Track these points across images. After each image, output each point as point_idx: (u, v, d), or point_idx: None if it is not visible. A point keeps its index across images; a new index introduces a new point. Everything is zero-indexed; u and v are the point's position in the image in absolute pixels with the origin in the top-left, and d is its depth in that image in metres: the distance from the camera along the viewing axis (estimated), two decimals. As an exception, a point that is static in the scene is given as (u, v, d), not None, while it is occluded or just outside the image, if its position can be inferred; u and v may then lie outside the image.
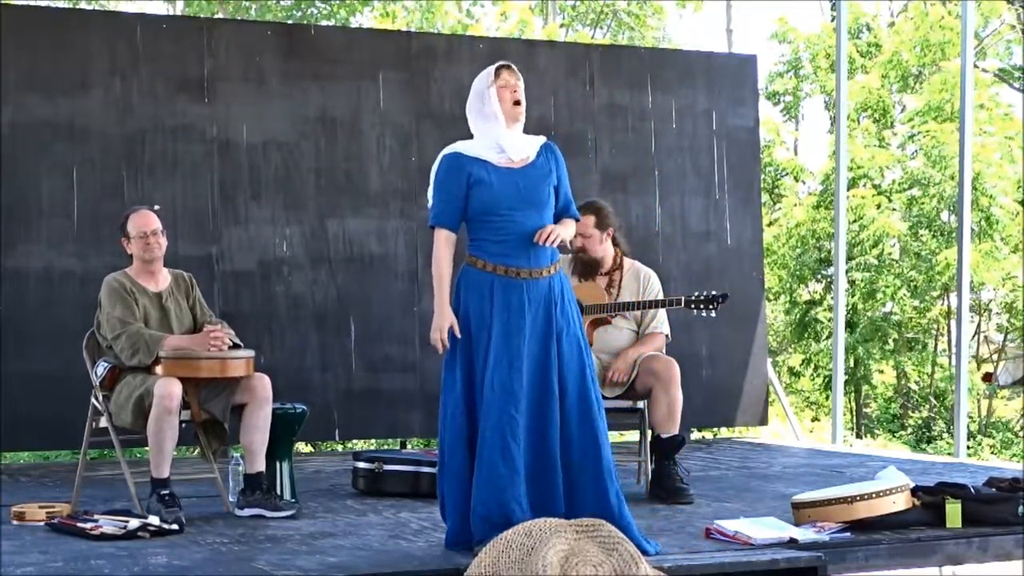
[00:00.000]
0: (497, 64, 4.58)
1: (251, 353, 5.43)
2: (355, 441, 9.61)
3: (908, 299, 13.97)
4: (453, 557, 4.30)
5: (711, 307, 5.88)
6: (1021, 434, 14.35)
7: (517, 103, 4.55)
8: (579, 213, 6.02)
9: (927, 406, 14.47)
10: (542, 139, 4.70)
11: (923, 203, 14.07)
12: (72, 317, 7.02)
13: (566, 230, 4.60)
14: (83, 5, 17.19)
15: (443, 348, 4.48)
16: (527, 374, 4.44)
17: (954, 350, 11.68)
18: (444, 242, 4.50)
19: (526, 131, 4.71)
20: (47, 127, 7.57)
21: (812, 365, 14.83)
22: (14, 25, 7.54)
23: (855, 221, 13.67)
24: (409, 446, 8.77)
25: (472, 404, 4.49)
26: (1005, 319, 14.77)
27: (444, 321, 4.45)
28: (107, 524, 4.83)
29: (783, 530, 4.70)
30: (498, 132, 4.54)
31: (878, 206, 14.07)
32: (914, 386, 14.90)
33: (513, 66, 4.59)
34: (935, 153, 13.87)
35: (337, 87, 8.16)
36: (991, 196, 13.42)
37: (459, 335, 4.46)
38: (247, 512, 5.28)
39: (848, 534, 4.72)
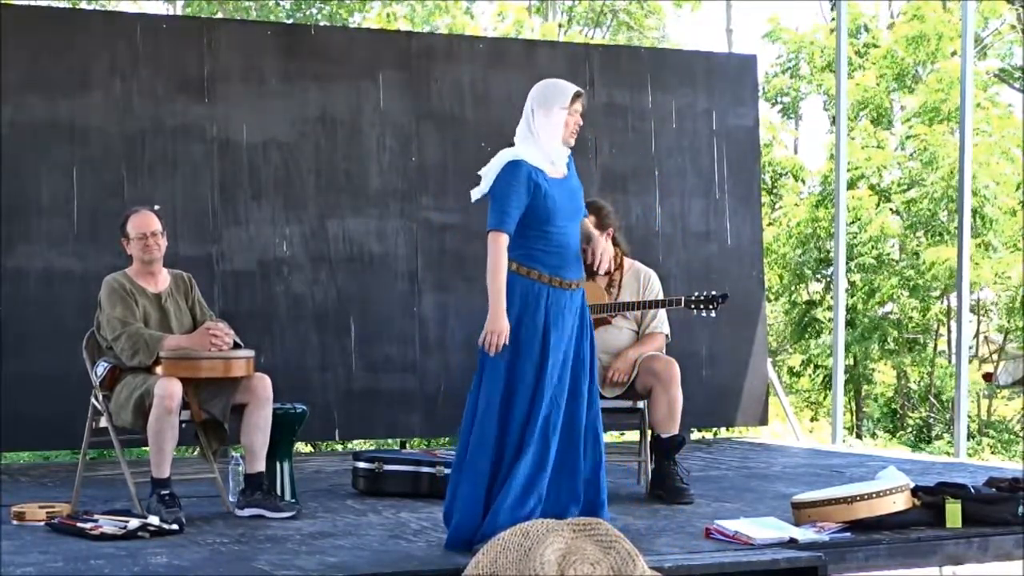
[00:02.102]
0: (575, 90, 4.66)
1: (251, 353, 5.43)
2: (355, 441, 9.62)
3: (907, 299, 13.97)
4: (453, 557, 4.31)
5: (711, 307, 5.88)
6: (1021, 434, 14.35)
7: (574, 134, 4.69)
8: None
9: (926, 406, 14.48)
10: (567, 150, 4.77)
11: (919, 203, 14.07)
12: (72, 317, 7.02)
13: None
14: (83, 5, 17.18)
15: (495, 351, 4.47)
16: (566, 378, 4.61)
17: (954, 350, 11.68)
18: (504, 247, 4.52)
19: None
20: (47, 127, 7.57)
21: (812, 365, 14.83)
22: (14, 25, 7.54)
23: (853, 222, 13.67)
24: (409, 446, 8.77)
25: (506, 409, 4.53)
26: (1003, 319, 14.77)
27: (503, 326, 4.47)
28: (107, 524, 4.83)
29: (783, 530, 4.71)
30: (552, 148, 4.61)
31: (876, 204, 14.09)
32: (914, 386, 14.91)
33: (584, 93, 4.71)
34: (927, 155, 13.88)
35: (337, 87, 8.16)
36: (985, 196, 13.42)
37: (507, 343, 4.48)
38: (247, 512, 5.28)
39: (848, 534, 4.72)
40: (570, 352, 4.60)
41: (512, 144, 4.64)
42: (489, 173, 4.60)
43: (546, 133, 4.60)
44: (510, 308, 4.51)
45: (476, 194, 4.64)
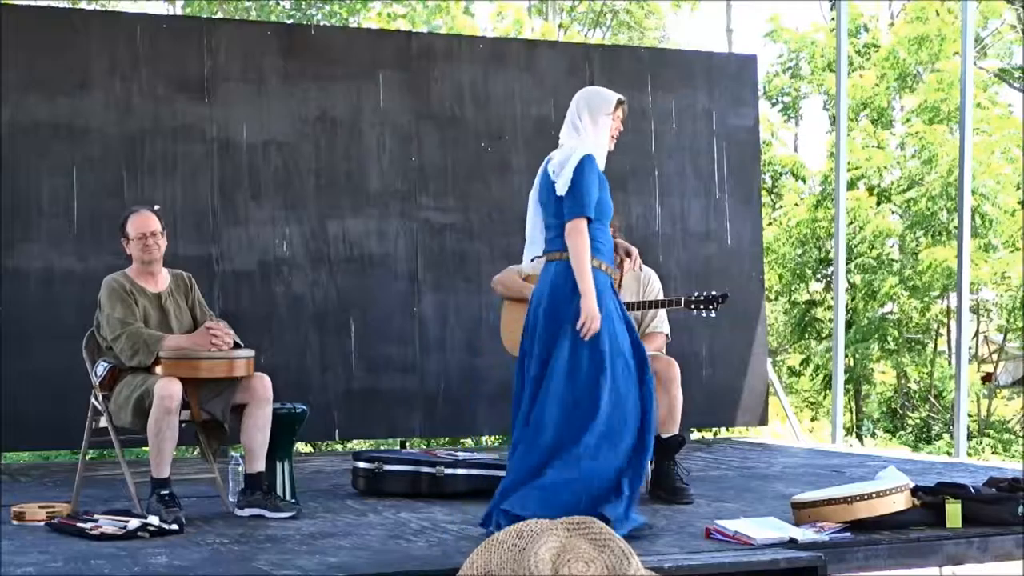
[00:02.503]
0: (618, 98, 4.91)
1: (251, 353, 5.43)
2: (355, 441, 9.61)
3: (907, 298, 13.98)
4: (453, 557, 4.30)
5: (711, 307, 5.88)
6: (1021, 434, 14.36)
7: (613, 137, 4.94)
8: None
9: (927, 406, 14.48)
10: None
11: (919, 203, 14.07)
12: (72, 317, 7.02)
13: None
14: (83, 5, 17.18)
15: (590, 335, 4.64)
16: None
17: (954, 350, 11.68)
18: (587, 232, 4.70)
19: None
20: (47, 127, 7.58)
21: (812, 365, 14.84)
22: (14, 25, 7.55)
23: (851, 223, 13.68)
24: (409, 446, 8.77)
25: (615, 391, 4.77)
26: (1004, 319, 14.77)
27: (598, 310, 4.65)
28: (107, 524, 4.83)
29: (783, 530, 4.70)
30: (600, 153, 4.85)
31: (877, 203, 14.09)
32: (914, 386, 14.91)
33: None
34: (926, 153, 13.88)
35: (337, 87, 8.16)
36: (984, 195, 13.43)
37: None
38: (247, 512, 5.28)
39: (848, 534, 4.72)
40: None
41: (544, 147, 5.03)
42: (567, 167, 4.74)
43: (593, 138, 4.82)
44: (600, 295, 4.70)
45: (561, 189, 4.75)
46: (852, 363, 14.08)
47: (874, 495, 4.84)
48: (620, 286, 6.08)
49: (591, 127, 4.81)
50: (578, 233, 4.67)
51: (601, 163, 4.83)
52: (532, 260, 4.92)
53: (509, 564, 3.84)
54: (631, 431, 4.74)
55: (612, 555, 3.89)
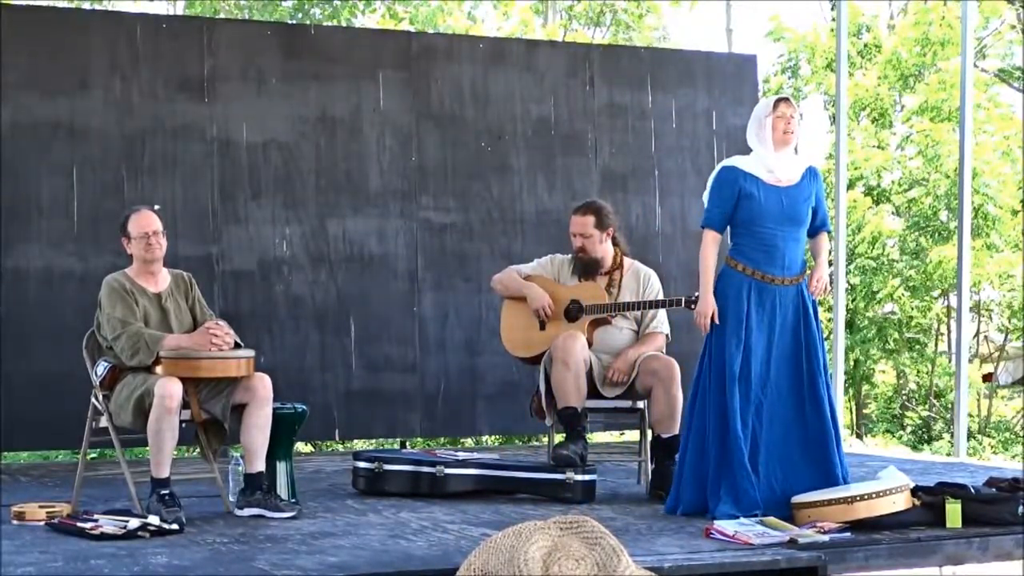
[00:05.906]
0: (777, 97, 5.34)
1: (251, 353, 5.43)
2: (355, 441, 9.62)
3: (907, 298, 13.97)
4: (453, 557, 4.30)
5: (711, 307, 5.86)
6: (1021, 434, 14.35)
7: (786, 133, 5.27)
8: (579, 213, 6.12)
9: (927, 406, 14.47)
10: (807, 163, 5.42)
11: (921, 202, 14.06)
12: (72, 317, 7.02)
13: (825, 272, 5.37)
14: (83, 5, 17.17)
15: (704, 331, 5.31)
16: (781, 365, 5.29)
17: (954, 350, 11.69)
18: (709, 242, 5.31)
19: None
20: (47, 127, 7.57)
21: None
22: (14, 25, 7.54)
23: (849, 224, 13.68)
24: (409, 446, 8.78)
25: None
26: (1005, 319, 14.76)
27: (706, 308, 5.27)
28: (107, 524, 4.83)
29: (783, 530, 4.70)
30: (767, 155, 5.27)
31: (876, 202, 14.07)
32: (914, 386, 14.90)
33: (791, 99, 5.36)
34: (931, 152, 13.87)
35: (337, 87, 8.16)
36: (986, 195, 13.42)
37: (717, 322, 5.26)
38: (247, 512, 5.28)
39: (848, 534, 4.72)
40: (784, 341, 5.25)
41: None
42: (710, 177, 5.34)
43: (758, 143, 5.29)
44: (721, 294, 5.25)
45: (705, 199, 5.37)
46: (852, 363, 14.08)
47: (874, 495, 4.84)
48: (620, 286, 6.09)
49: (757, 134, 5.28)
50: (702, 244, 5.30)
51: (776, 168, 5.21)
52: None
53: (506, 565, 3.84)
54: (712, 441, 5.24)
55: (603, 553, 3.89)
